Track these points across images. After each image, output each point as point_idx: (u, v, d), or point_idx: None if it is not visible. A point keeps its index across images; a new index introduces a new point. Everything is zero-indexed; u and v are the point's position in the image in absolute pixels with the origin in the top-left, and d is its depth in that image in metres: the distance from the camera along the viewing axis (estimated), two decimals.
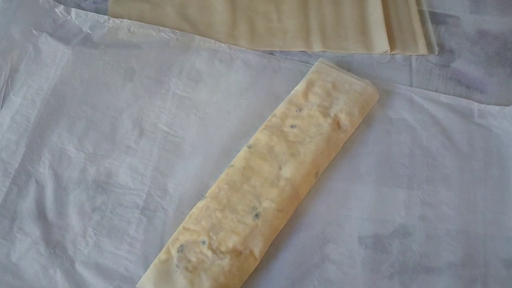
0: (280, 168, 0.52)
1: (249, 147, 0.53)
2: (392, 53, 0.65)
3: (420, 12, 0.69)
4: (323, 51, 0.64)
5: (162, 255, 0.47)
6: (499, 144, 0.59)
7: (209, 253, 0.47)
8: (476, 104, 0.61)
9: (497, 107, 0.61)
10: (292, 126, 0.54)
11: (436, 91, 0.62)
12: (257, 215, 0.49)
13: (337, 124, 0.55)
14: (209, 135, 0.57)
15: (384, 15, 0.67)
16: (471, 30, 0.68)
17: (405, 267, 0.51)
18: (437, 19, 0.69)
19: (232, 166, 0.52)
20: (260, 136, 0.54)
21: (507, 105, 0.61)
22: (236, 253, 0.47)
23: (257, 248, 0.48)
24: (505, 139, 0.59)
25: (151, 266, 0.47)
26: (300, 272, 0.50)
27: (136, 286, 0.47)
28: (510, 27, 0.69)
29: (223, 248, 0.47)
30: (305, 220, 0.52)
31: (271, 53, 0.64)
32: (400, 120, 0.59)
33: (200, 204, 0.50)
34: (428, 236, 0.52)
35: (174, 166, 0.54)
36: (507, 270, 0.51)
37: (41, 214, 0.50)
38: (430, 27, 0.68)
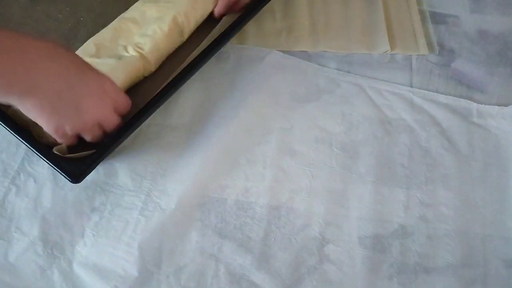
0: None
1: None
2: (392, 52, 0.64)
3: (421, 12, 0.69)
4: (323, 51, 0.64)
5: None
6: (498, 144, 0.58)
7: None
8: (475, 104, 0.61)
9: (496, 107, 0.61)
10: None
11: (436, 91, 0.62)
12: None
13: None
14: (208, 134, 0.56)
15: (384, 15, 0.67)
16: (471, 29, 0.68)
17: (404, 268, 0.50)
18: (438, 18, 0.69)
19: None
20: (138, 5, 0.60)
21: (507, 105, 0.61)
22: None
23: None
24: (504, 139, 0.59)
25: None
26: (300, 272, 0.49)
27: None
28: (511, 27, 0.69)
29: None
30: (304, 221, 0.52)
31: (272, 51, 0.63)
32: (399, 120, 0.59)
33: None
34: (427, 237, 0.52)
35: (174, 167, 0.54)
36: (506, 270, 0.51)
37: (39, 214, 0.50)
38: (430, 26, 0.68)
